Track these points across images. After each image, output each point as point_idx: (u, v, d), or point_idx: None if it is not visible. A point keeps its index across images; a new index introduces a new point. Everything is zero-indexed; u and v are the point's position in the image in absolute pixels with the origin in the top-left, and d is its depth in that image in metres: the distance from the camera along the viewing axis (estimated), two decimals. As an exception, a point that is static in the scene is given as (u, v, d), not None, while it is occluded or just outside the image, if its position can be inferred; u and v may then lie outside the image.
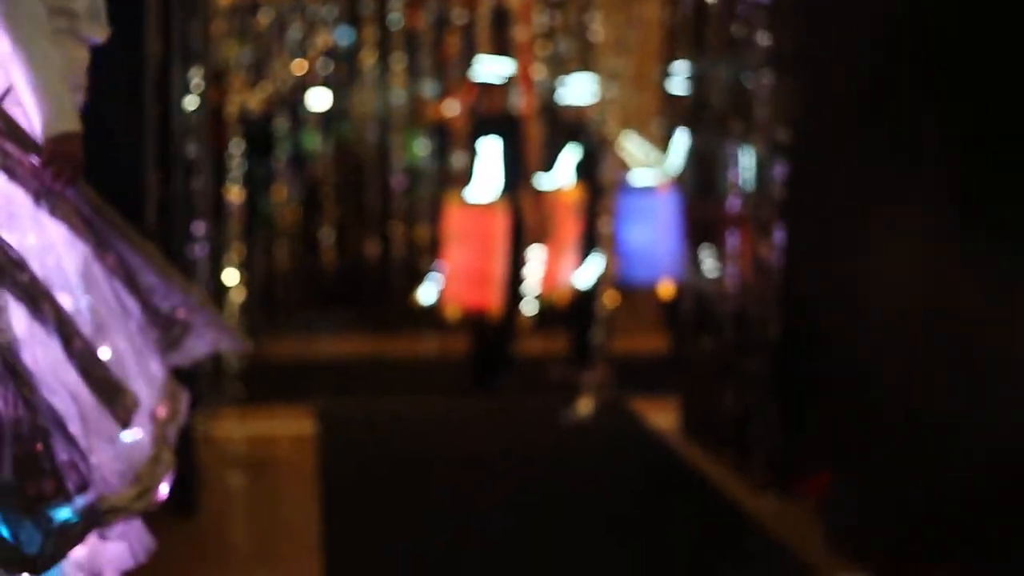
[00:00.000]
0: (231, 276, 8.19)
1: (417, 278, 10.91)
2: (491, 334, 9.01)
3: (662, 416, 8.08)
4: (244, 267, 8.67)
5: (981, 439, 5.90)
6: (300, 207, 11.50)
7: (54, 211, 3.47)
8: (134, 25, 5.74)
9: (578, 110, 9.04)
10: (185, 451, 5.90)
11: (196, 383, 6.35)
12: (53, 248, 3.47)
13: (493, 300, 8.73)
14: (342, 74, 11.60)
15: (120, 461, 3.48)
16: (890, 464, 6.16)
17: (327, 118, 11.64)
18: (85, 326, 3.48)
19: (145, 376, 3.65)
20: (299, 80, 9.46)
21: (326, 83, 11.51)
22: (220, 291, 8.64)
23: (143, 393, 3.60)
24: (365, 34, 11.21)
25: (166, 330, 3.78)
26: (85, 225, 3.55)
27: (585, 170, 9.38)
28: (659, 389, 8.56)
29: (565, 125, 9.88)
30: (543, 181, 9.25)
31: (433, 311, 9.37)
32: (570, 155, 9.54)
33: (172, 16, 6.17)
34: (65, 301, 3.44)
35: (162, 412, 3.67)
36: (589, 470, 7.19)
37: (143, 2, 5.81)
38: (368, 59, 11.28)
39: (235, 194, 8.12)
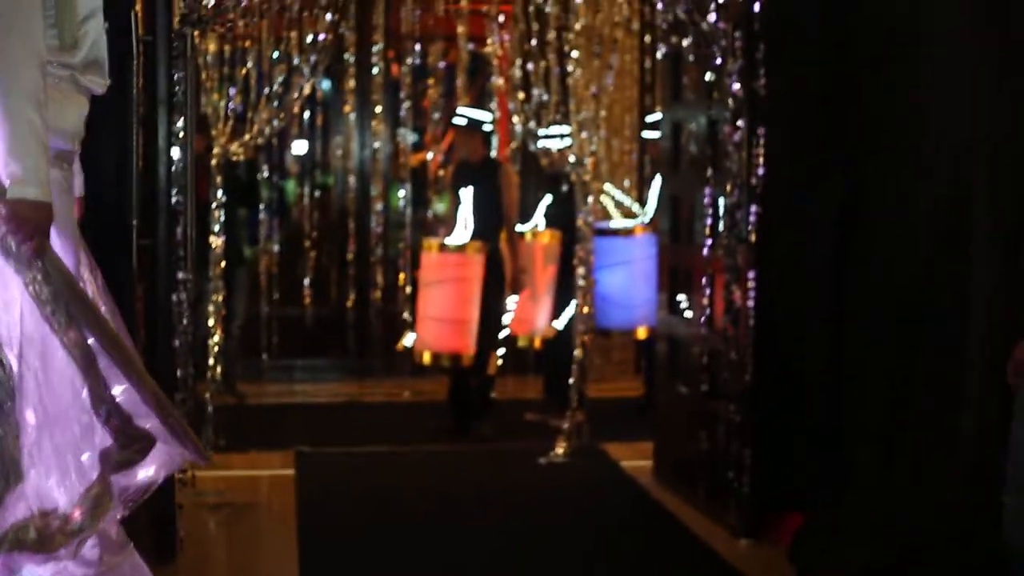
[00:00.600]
0: (213, 322, 8.23)
1: (396, 324, 10.98)
2: (468, 379, 9.07)
3: (636, 460, 8.15)
4: (225, 313, 8.71)
5: (953, 484, 5.99)
6: (281, 254, 11.54)
7: (19, 270, 3.48)
8: (120, 74, 5.81)
9: (555, 157, 9.13)
10: (165, 494, 5.98)
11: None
12: (9, 307, 3.47)
13: (469, 345, 8.77)
14: (323, 123, 11.69)
15: None
16: (861, 508, 6.24)
17: (308, 166, 11.72)
18: (27, 390, 3.45)
19: (63, 470, 3.53)
20: (281, 129, 9.51)
21: (307, 132, 11.60)
22: (202, 337, 8.70)
23: (51, 483, 3.51)
24: (346, 83, 11.30)
25: (123, 443, 3.60)
26: (53, 299, 3.51)
27: (561, 216, 9.48)
28: (633, 433, 8.64)
29: (542, 172, 10.00)
30: (520, 227, 9.35)
31: (412, 356, 9.42)
32: (547, 201, 9.65)
33: (157, 65, 6.25)
34: (10, 361, 3.45)
35: (77, 515, 3.54)
36: (564, 513, 7.21)
37: (129, 51, 5.88)
38: (348, 108, 11.37)
39: (217, 241, 8.17)
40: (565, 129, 8.78)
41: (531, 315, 9.38)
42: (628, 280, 9.45)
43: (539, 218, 9.58)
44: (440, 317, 8.74)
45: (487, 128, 9.13)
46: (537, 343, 9.55)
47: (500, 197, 8.95)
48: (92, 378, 3.55)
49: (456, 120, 9.18)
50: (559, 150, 9.03)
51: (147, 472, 3.66)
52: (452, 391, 9.17)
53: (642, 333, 9.57)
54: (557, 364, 9.41)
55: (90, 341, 3.56)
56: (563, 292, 9.30)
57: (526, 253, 9.24)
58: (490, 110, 11.13)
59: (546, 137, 9.19)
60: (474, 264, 8.75)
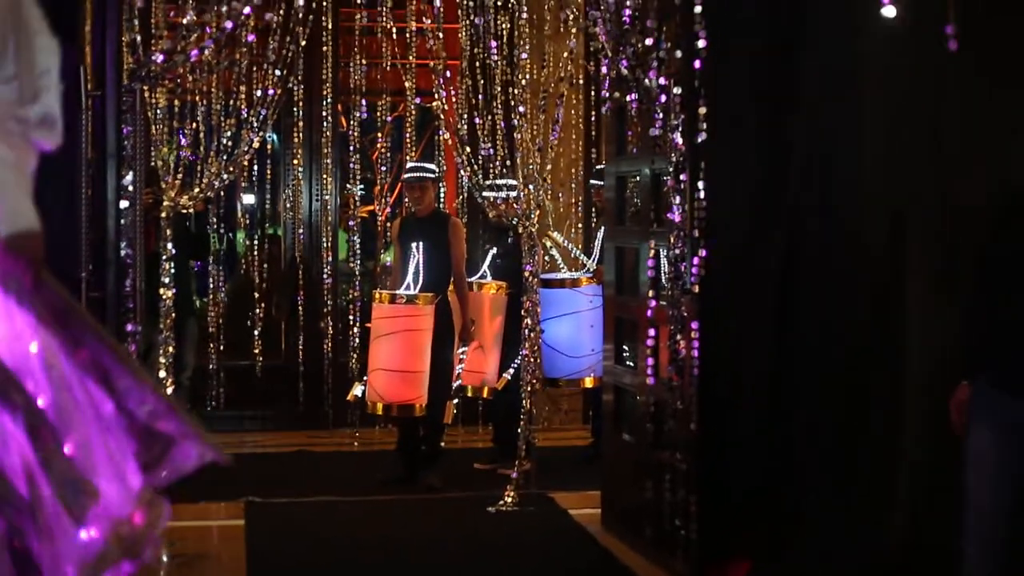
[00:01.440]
0: (161, 374, 8.24)
1: (345, 374, 11.01)
2: (417, 429, 9.11)
3: (585, 508, 8.21)
4: (174, 365, 8.71)
5: (893, 529, 6.10)
6: (230, 305, 11.55)
7: (21, 301, 3.52)
8: (70, 129, 5.87)
9: (501, 209, 9.22)
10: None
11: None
12: (21, 337, 3.51)
13: (420, 396, 8.82)
14: (272, 175, 11.74)
15: (71, 559, 3.48)
16: (807, 553, 6.33)
17: (257, 218, 11.75)
18: (51, 417, 3.49)
19: (117, 477, 3.60)
20: (230, 181, 9.56)
21: (256, 184, 11.64)
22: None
23: (111, 493, 3.57)
24: (295, 137, 11.38)
25: (147, 445, 3.69)
26: (55, 319, 3.57)
27: (507, 267, 9.56)
28: (582, 482, 8.69)
29: (489, 224, 10.08)
30: (469, 279, 9.42)
31: (362, 407, 9.45)
32: (493, 253, 9.72)
33: (107, 120, 6.32)
34: (32, 389, 3.47)
35: (139, 519, 3.62)
36: (515, 562, 7.27)
37: (78, 106, 5.94)
38: (297, 161, 11.44)
39: (168, 293, 8.19)
40: (511, 181, 8.87)
41: (480, 366, 9.43)
42: (574, 330, 9.53)
43: (485, 270, 9.66)
44: (392, 368, 8.78)
45: (436, 181, 9.22)
46: (486, 393, 9.60)
47: (449, 250, 9.02)
48: (111, 391, 3.63)
49: (405, 175, 9.23)
50: (505, 202, 9.11)
51: (175, 470, 3.74)
52: (401, 441, 9.21)
53: (589, 383, 9.65)
54: (506, 414, 9.47)
55: (101, 355, 3.63)
56: (511, 343, 9.36)
57: (473, 305, 9.31)
58: (437, 163, 11.24)
59: (492, 188, 9.28)
60: (425, 315, 8.80)
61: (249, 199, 11.71)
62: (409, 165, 9.34)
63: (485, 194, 9.36)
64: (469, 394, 9.64)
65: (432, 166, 9.36)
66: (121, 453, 3.63)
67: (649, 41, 6.59)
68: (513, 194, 8.84)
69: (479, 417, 10.98)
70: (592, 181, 10.16)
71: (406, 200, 9.52)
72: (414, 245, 8.94)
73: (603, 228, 9.66)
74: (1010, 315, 5.01)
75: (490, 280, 9.57)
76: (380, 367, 8.84)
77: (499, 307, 9.50)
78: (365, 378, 9.10)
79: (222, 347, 11.20)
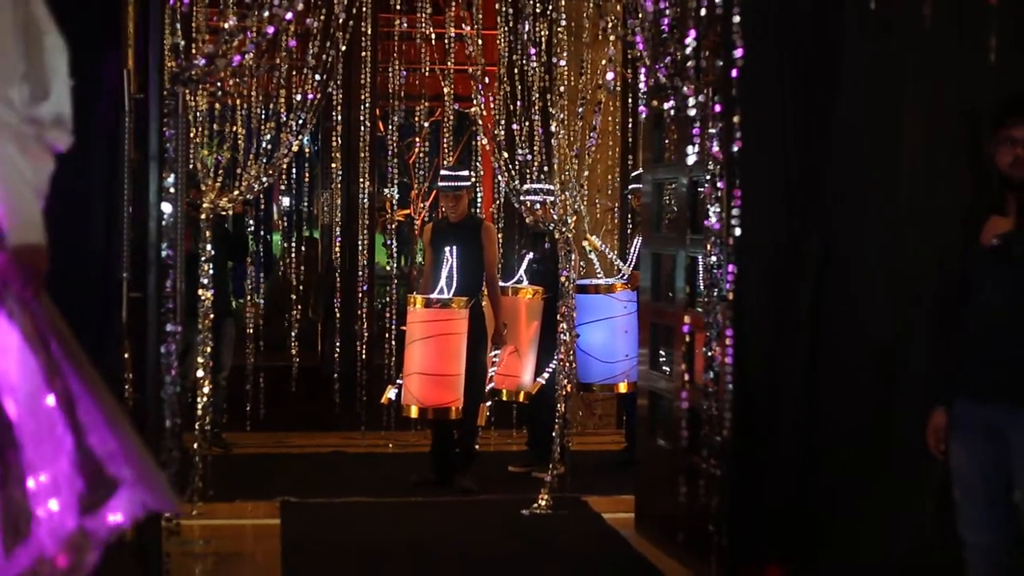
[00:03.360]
0: (199, 374, 8.31)
1: (381, 376, 11.07)
2: (452, 432, 9.16)
3: (618, 512, 8.24)
4: (213, 365, 8.79)
5: (924, 533, 6.11)
6: (268, 307, 11.62)
7: (12, 316, 3.53)
8: (112, 130, 5.94)
9: (538, 215, 9.25)
10: (152, 543, 6.07)
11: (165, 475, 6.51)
12: (6, 353, 3.50)
13: (455, 399, 8.87)
14: (310, 179, 11.81)
15: None
16: (840, 558, 6.35)
17: (294, 221, 11.83)
18: (21, 438, 3.48)
19: (49, 516, 3.54)
20: (269, 184, 9.64)
21: (295, 187, 11.71)
22: (190, 389, 8.78)
23: (42, 531, 3.51)
24: (333, 141, 11.44)
25: (93, 485, 3.59)
26: (41, 341, 3.56)
27: (544, 273, 9.60)
28: (616, 486, 8.73)
29: (526, 229, 10.11)
30: (505, 283, 9.48)
31: (396, 409, 9.51)
32: (529, 258, 9.76)
33: (149, 122, 6.37)
34: (10, 408, 3.47)
35: (62, 562, 3.55)
36: (547, 565, 7.31)
37: (121, 109, 6.00)
38: (335, 165, 11.50)
39: (206, 294, 8.26)
40: (548, 186, 8.90)
41: (516, 370, 9.48)
42: (609, 336, 9.57)
43: (522, 274, 9.70)
44: (427, 371, 8.83)
45: (470, 188, 9.27)
46: (522, 397, 9.64)
47: (482, 254, 9.07)
48: (72, 425, 3.57)
49: (441, 183, 9.27)
50: (542, 207, 9.14)
51: (115, 516, 3.63)
52: (435, 444, 9.26)
53: (623, 388, 9.69)
54: (541, 418, 9.51)
55: (73, 385, 3.59)
56: (546, 347, 9.39)
57: (509, 309, 9.35)
58: (474, 169, 11.29)
59: (529, 192, 9.31)
60: (459, 319, 8.85)
61: (287, 202, 11.76)
62: (443, 173, 9.34)
63: (523, 198, 9.39)
64: (504, 398, 9.68)
65: (466, 173, 9.39)
66: (67, 491, 3.55)
67: (688, 50, 6.62)
68: (551, 199, 8.87)
69: (513, 420, 11.02)
70: (631, 185, 10.18)
71: (441, 205, 9.56)
72: (447, 249, 9.00)
73: (638, 238, 9.70)
74: (970, 324, 5.05)
75: (526, 285, 9.62)
76: (415, 371, 8.89)
77: (535, 312, 9.54)
78: (399, 381, 9.15)
79: (259, 348, 11.27)
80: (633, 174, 10.37)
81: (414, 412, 9.00)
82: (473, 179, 9.28)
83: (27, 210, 3.59)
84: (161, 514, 6.20)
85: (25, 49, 3.70)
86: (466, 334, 8.89)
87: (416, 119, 11.84)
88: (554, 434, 8.57)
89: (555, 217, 8.58)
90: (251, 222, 11.26)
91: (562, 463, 8.55)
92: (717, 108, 6.47)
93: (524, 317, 9.47)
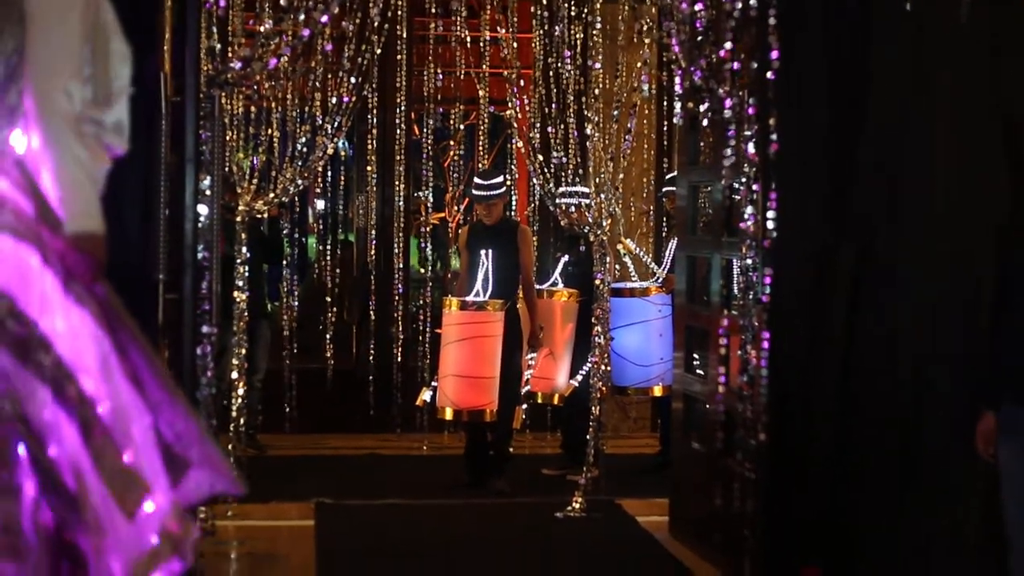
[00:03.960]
0: (234, 375, 8.35)
1: (415, 379, 11.09)
2: (486, 435, 9.17)
3: (653, 515, 8.23)
4: (248, 366, 8.83)
5: (965, 536, 6.09)
6: (302, 309, 11.66)
7: (81, 299, 3.59)
8: (148, 133, 5.98)
9: (573, 217, 9.24)
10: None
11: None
12: (79, 334, 3.56)
13: (490, 401, 8.86)
14: (345, 182, 11.85)
15: (117, 554, 3.52)
16: (877, 563, 6.33)
17: (329, 224, 11.86)
18: (104, 414, 3.55)
19: (159, 478, 3.63)
20: (304, 187, 9.66)
21: (330, 190, 11.74)
22: (225, 390, 8.82)
23: (158, 492, 3.61)
24: (368, 144, 11.48)
25: (168, 465, 3.67)
26: (108, 323, 3.63)
27: (579, 275, 9.60)
28: (650, 489, 8.72)
29: (562, 232, 10.11)
30: (540, 286, 9.48)
31: (431, 411, 9.53)
32: (564, 260, 9.75)
33: (185, 125, 6.41)
34: (88, 386, 3.54)
35: (174, 527, 3.63)
36: (580, 568, 7.31)
37: (157, 111, 6.04)
38: (370, 168, 11.53)
39: (242, 296, 8.29)
40: (583, 188, 8.90)
41: (550, 372, 9.48)
42: (643, 339, 9.56)
43: (557, 277, 9.70)
44: (462, 374, 8.84)
45: (505, 194, 9.24)
46: (556, 400, 9.65)
47: (517, 257, 9.07)
48: (147, 403, 3.66)
49: (474, 191, 9.24)
50: (577, 209, 9.14)
51: (186, 497, 3.72)
52: (469, 446, 9.27)
53: (658, 391, 9.68)
54: (574, 421, 9.51)
55: (141, 367, 3.68)
56: (581, 350, 9.39)
57: (544, 312, 9.36)
58: (509, 172, 11.30)
59: (565, 195, 9.31)
60: (495, 322, 8.84)
61: (322, 205, 11.80)
62: (476, 181, 9.31)
63: (559, 201, 9.39)
64: (539, 400, 9.68)
65: (500, 180, 9.30)
66: (157, 464, 3.64)
67: (723, 52, 6.61)
68: (586, 201, 8.87)
69: (547, 423, 11.02)
70: (665, 188, 10.17)
71: (476, 211, 9.54)
72: (483, 253, 9.00)
73: (674, 240, 9.68)
74: (1015, 329, 5.04)
75: (561, 287, 9.61)
76: (451, 373, 8.89)
77: (570, 315, 9.54)
78: (434, 383, 9.16)
79: (294, 350, 11.31)
80: (667, 176, 10.37)
81: (449, 414, 9.01)
82: (508, 184, 9.21)
83: (85, 198, 3.65)
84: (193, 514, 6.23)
85: (92, 53, 3.76)
86: (501, 337, 8.88)
87: (451, 122, 11.85)
88: (588, 437, 8.56)
89: (590, 220, 8.57)
90: (286, 225, 11.31)
91: (596, 466, 8.53)
92: (752, 111, 6.45)
93: (559, 320, 9.47)
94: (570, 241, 9.89)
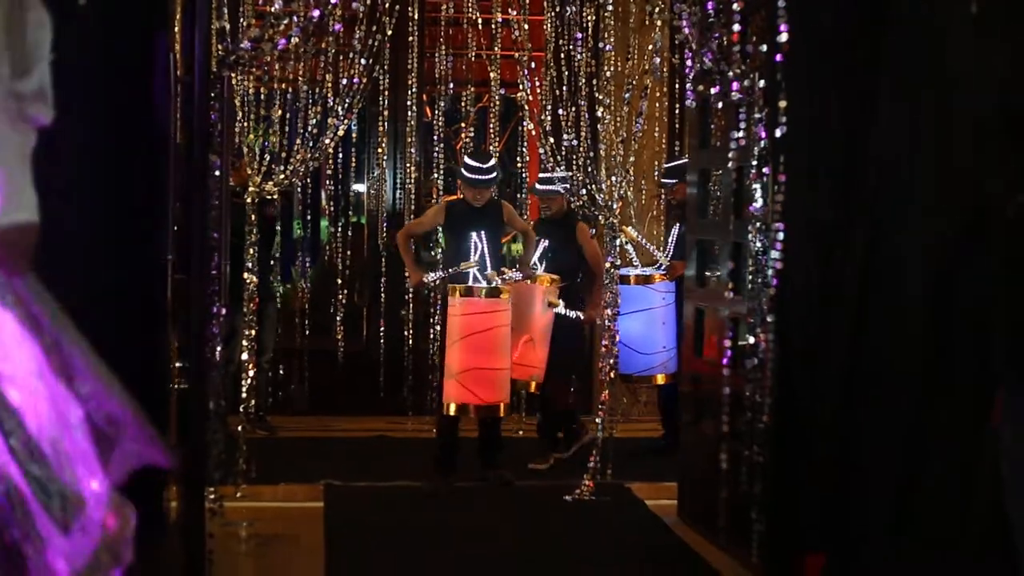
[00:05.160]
0: (243, 357, 8.36)
1: (426, 363, 11.09)
2: (499, 428, 9.04)
3: (660, 499, 8.24)
4: (257, 348, 8.83)
5: (973, 520, 6.08)
6: (313, 291, 11.67)
7: (4, 299, 3.47)
8: (159, 114, 5.97)
9: (554, 205, 9.39)
10: (196, 525, 6.11)
11: (207, 458, 6.55)
12: (3, 341, 3.46)
13: (504, 396, 8.54)
14: (356, 164, 11.84)
15: (63, 557, 3.44)
16: (884, 547, 6.32)
17: (340, 206, 11.85)
18: (30, 422, 3.44)
19: (91, 483, 3.55)
20: (315, 168, 9.66)
21: (341, 172, 11.74)
22: (234, 372, 8.83)
23: (89, 498, 3.52)
24: (379, 126, 11.47)
25: (100, 448, 3.60)
26: (33, 321, 3.52)
27: (559, 261, 9.44)
28: (659, 473, 8.72)
29: (542, 218, 9.97)
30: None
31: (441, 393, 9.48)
32: (546, 245, 9.50)
33: (195, 105, 6.40)
34: (13, 396, 3.43)
35: (111, 523, 3.57)
36: (589, 551, 7.31)
37: (168, 91, 6.03)
38: (382, 150, 11.53)
39: (249, 278, 8.30)
40: (562, 173, 8.83)
41: (531, 360, 9.16)
42: (647, 327, 9.48)
43: (536, 262, 9.41)
44: (480, 367, 8.41)
45: (498, 179, 9.08)
46: (532, 387, 9.39)
47: (502, 235, 9.20)
48: (77, 397, 3.58)
49: (468, 174, 8.88)
50: (557, 198, 9.23)
51: (115, 472, 3.66)
52: (450, 441, 8.96)
53: (661, 379, 9.60)
54: (544, 407, 9.63)
55: (71, 357, 3.59)
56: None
57: (525, 297, 9.07)
58: (520, 154, 11.30)
59: (544, 182, 9.34)
60: (506, 310, 8.49)
61: (333, 186, 11.78)
62: (471, 164, 8.96)
63: (538, 188, 9.41)
64: (519, 389, 9.42)
65: (494, 163, 9.05)
66: (90, 457, 3.56)
67: (733, 35, 6.59)
68: (564, 187, 8.87)
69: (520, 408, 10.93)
70: (664, 180, 10.11)
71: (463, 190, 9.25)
72: (473, 234, 8.69)
73: (678, 224, 9.65)
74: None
75: (543, 273, 9.40)
76: (472, 366, 8.40)
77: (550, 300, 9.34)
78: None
79: (305, 332, 11.32)
80: (666, 167, 10.29)
81: (465, 411, 8.47)
82: (497, 172, 9.04)
83: (19, 186, 3.53)
84: (202, 495, 6.25)
85: (5, 24, 3.62)
86: (508, 326, 8.56)
87: (463, 104, 11.84)
88: (598, 420, 8.53)
89: (575, 203, 8.61)
90: (299, 207, 11.32)
91: (604, 449, 8.52)
92: (762, 93, 6.44)
93: (540, 306, 9.22)
94: (550, 226, 9.68)
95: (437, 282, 8.91)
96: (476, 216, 8.87)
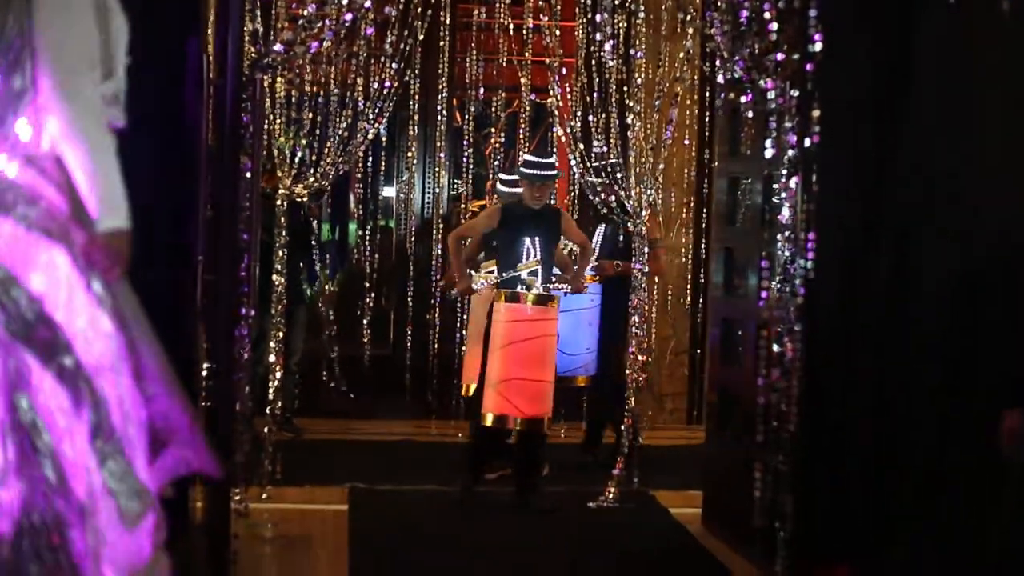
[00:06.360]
0: (273, 359, 8.38)
1: (451, 367, 11.10)
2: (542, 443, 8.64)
3: (685, 507, 8.22)
4: (286, 350, 8.86)
5: (998, 534, 6.05)
6: (342, 294, 11.70)
7: (101, 299, 3.59)
8: (191, 116, 6.00)
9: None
10: (221, 526, 6.14)
11: (233, 459, 6.58)
12: (96, 336, 3.57)
13: (548, 409, 8.19)
14: (386, 167, 11.88)
15: (113, 563, 3.52)
16: (909, 558, 6.30)
17: (369, 209, 11.88)
18: (115, 416, 3.56)
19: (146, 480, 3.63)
20: (345, 172, 9.67)
21: (371, 176, 11.77)
22: (262, 373, 8.86)
23: (155, 497, 3.62)
24: (409, 130, 11.50)
25: (152, 448, 3.69)
26: (122, 322, 3.64)
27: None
28: (683, 480, 8.71)
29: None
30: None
31: (466, 398, 9.47)
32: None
33: (226, 107, 6.42)
34: (101, 389, 3.54)
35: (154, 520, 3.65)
36: (612, 558, 7.30)
37: (200, 93, 6.06)
38: (411, 154, 11.56)
39: (278, 280, 8.32)
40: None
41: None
42: (573, 328, 9.22)
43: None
44: (526, 377, 8.03)
45: (558, 176, 8.78)
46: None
47: (557, 243, 8.76)
48: (144, 396, 3.67)
49: (527, 170, 8.37)
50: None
51: (164, 473, 3.75)
52: (484, 453, 8.65)
53: (581, 381, 9.45)
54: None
55: (144, 360, 3.68)
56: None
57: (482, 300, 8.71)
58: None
59: (506, 184, 9.16)
60: (555, 319, 8.15)
61: (363, 190, 11.81)
62: (531, 159, 8.45)
63: (499, 188, 9.29)
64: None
65: (554, 159, 8.62)
66: (144, 458, 3.65)
67: (765, 44, 6.59)
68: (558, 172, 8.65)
69: (581, 412, 10.96)
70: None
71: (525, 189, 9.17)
72: (528, 240, 8.32)
73: (603, 225, 9.57)
74: None
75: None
76: (514, 376, 8.01)
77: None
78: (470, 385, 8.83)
79: (332, 335, 11.35)
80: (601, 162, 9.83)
81: (510, 423, 8.05)
82: (558, 170, 8.66)
83: (116, 193, 3.63)
84: (227, 496, 6.27)
85: (96, 27, 3.71)
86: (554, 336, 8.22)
87: (493, 110, 11.86)
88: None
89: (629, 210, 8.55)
90: (328, 210, 11.35)
91: (630, 456, 8.52)
92: (794, 102, 6.43)
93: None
94: (537, 218, 9.48)
95: (482, 288, 8.50)
96: (533, 221, 8.36)
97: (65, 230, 3.58)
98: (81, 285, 3.57)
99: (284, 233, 8.34)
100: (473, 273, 8.69)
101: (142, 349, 3.68)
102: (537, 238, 8.31)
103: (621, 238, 9.27)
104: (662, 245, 9.26)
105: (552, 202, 8.57)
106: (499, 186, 9.40)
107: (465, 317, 10.92)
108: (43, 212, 3.57)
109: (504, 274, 8.29)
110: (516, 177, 8.73)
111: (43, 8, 3.63)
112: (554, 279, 8.36)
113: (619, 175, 8.66)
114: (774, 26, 6.56)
